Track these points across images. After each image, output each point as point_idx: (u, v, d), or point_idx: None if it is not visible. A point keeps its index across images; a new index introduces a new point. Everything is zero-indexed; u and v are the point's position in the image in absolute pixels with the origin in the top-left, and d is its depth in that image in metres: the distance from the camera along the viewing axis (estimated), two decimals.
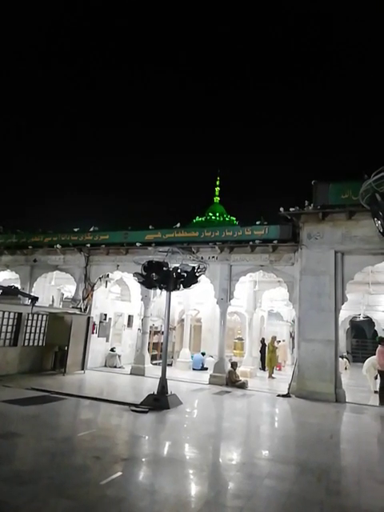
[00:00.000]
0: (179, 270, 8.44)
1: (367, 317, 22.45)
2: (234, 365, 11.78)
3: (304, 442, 6.46)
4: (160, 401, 7.78)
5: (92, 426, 6.61)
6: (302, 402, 9.56)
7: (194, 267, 8.57)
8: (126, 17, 44.93)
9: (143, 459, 5.05)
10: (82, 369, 12.12)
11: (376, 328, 23.09)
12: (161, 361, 8.91)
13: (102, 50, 48.07)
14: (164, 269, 8.31)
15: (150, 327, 14.88)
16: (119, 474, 4.37)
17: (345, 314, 21.41)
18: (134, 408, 7.51)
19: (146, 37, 48.40)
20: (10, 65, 44.99)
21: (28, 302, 12.01)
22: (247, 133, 56.35)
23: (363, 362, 12.85)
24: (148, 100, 54.66)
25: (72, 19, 43.20)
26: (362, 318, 22.61)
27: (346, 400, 9.84)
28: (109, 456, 4.93)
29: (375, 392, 10.88)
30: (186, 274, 8.48)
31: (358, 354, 25.52)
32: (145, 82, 53.39)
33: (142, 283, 8.88)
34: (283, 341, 15.84)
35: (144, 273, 8.44)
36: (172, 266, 8.55)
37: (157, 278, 8.32)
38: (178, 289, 8.61)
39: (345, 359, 17.98)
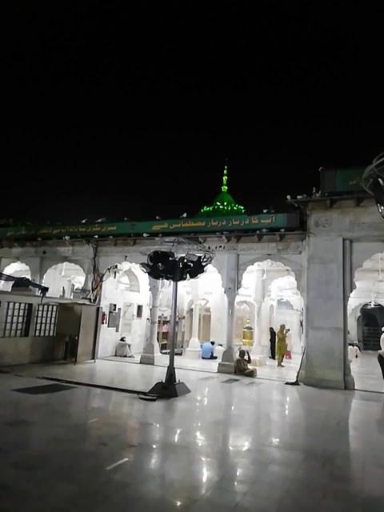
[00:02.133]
0: (185, 260, 8.46)
1: (378, 304, 22.26)
2: (242, 353, 11.84)
3: (310, 428, 6.50)
4: (168, 389, 7.88)
5: (101, 413, 6.74)
6: (310, 390, 9.58)
7: (200, 257, 8.58)
8: (128, 15, 44.39)
9: (150, 446, 5.14)
10: (93, 358, 12.31)
11: None
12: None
13: (108, 50, 47.72)
14: (170, 259, 8.34)
15: (159, 317, 15.00)
16: (126, 459, 4.45)
17: (355, 301, 21.29)
18: (142, 396, 7.62)
19: (153, 37, 47.79)
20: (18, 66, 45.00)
21: (38, 292, 12.19)
22: (255, 122, 55.61)
23: (374, 349, 12.80)
24: (157, 93, 54.22)
25: (75, 19, 42.89)
26: (373, 306, 22.43)
27: (355, 387, 9.83)
28: (116, 442, 5.03)
29: None
30: (192, 264, 8.49)
31: (370, 342, 25.38)
32: (154, 76, 52.89)
33: (148, 273, 8.93)
34: (289, 330, 15.82)
35: (150, 263, 8.48)
36: (178, 256, 8.57)
37: (163, 268, 8.34)
38: (185, 279, 8.64)
39: (355, 347, 17.90)
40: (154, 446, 5.12)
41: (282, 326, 15.05)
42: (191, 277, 8.60)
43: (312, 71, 51.73)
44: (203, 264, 8.53)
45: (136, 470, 4.21)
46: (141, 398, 7.53)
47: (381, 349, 12.86)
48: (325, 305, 10.33)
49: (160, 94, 53.84)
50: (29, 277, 15.16)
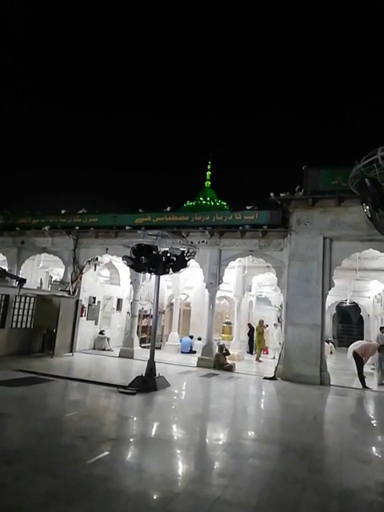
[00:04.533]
0: (169, 254, 8.41)
1: (353, 302, 22.84)
2: (221, 348, 11.92)
3: (288, 423, 6.61)
4: (148, 382, 7.85)
5: (80, 406, 6.66)
6: (288, 385, 9.75)
7: (183, 251, 8.55)
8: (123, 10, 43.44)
9: (130, 439, 5.12)
10: (71, 351, 12.13)
11: (362, 313, 23.57)
12: (149, 344, 8.96)
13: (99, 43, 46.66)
14: (153, 252, 8.27)
15: (140, 311, 14.93)
16: (106, 453, 4.42)
17: (331, 299, 21.73)
18: (122, 390, 7.56)
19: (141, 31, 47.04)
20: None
21: (15, 283, 11.90)
22: (240, 117, 55.75)
23: (348, 346, 13.15)
24: (139, 85, 53.56)
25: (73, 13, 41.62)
26: (348, 304, 23.01)
27: (331, 383, 10.07)
28: (96, 436, 4.98)
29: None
30: (175, 258, 8.45)
31: (344, 339, 26.06)
32: (141, 67, 52.16)
33: (130, 266, 8.84)
34: (267, 326, 16.09)
35: (133, 256, 8.39)
36: (161, 249, 8.51)
37: (146, 261, 8.27)
38: (168, 273, 8.60)
39: (330, 343, 18.36)
40: (135, 440, 5.09)
41: (261, 322, 15.25)
42: (174, 271, 8.56)
43: (300, 70, 52.20)
44: (187, 258, 8.51)
45: (117, 463, 4.18)
46: (120, 392, 7.47)
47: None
48: (304, 302, 10.51)
49: (145, 86, 53.18)
50: (5, 267, 14.77)
